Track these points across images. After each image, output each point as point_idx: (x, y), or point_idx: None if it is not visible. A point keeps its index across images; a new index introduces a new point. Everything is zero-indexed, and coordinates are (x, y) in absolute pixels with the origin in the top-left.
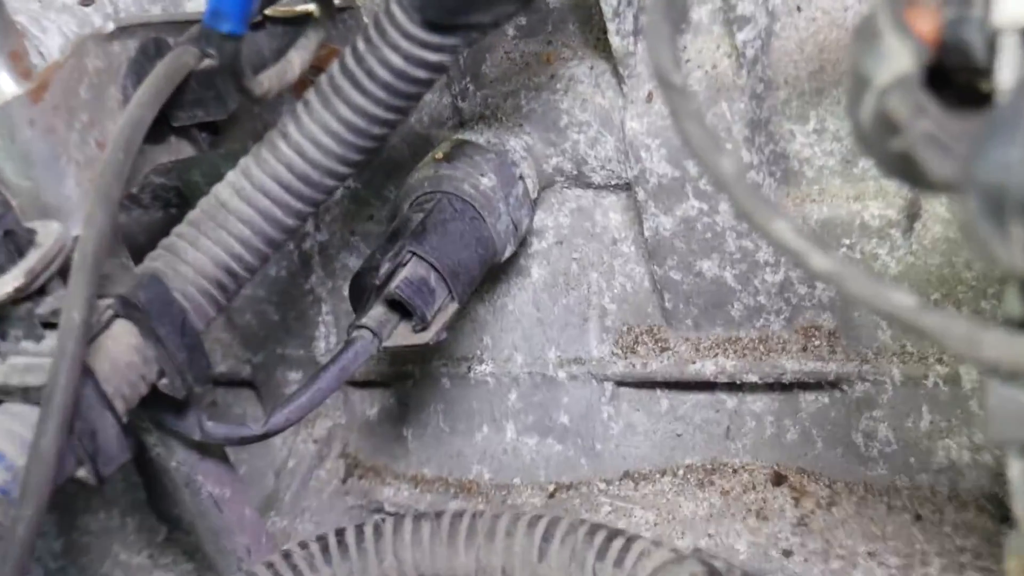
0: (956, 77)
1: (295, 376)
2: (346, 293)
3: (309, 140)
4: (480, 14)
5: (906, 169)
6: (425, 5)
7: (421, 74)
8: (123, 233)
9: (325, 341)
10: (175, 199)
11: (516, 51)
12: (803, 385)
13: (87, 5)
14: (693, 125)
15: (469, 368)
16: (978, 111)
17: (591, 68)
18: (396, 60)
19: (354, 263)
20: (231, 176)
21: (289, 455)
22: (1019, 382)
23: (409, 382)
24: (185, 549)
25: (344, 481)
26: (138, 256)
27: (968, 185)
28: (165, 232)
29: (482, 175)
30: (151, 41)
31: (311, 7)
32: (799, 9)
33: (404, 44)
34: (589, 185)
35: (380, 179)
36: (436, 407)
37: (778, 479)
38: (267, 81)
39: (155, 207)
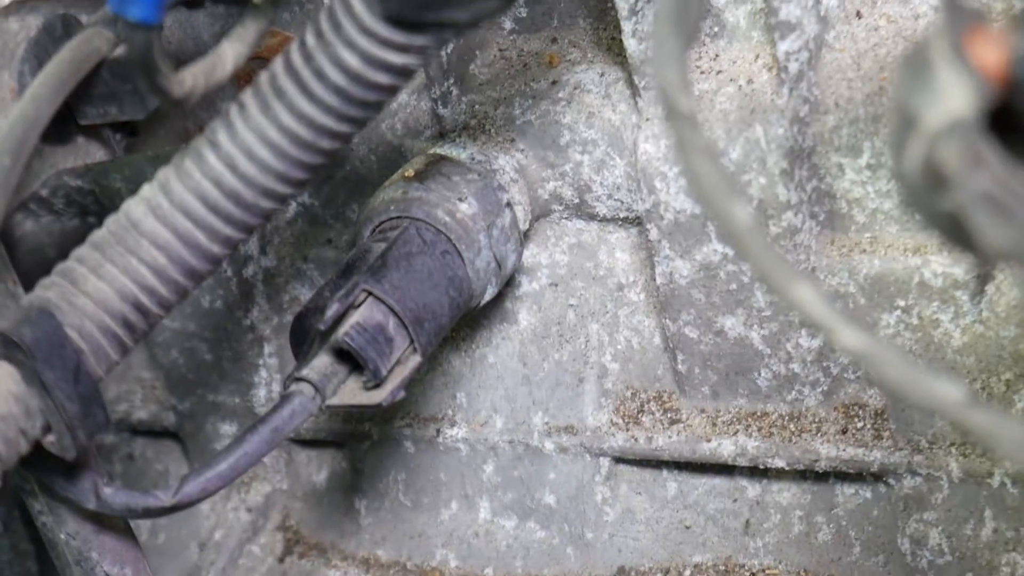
0: None
1: (228, 429)
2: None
3: (243, 151)
4: (455, 10)
5: (958, 232)
6: None
7: (382, 79)
8: (30, 244)
9: (266, 388)
10: (93, 206)
11: (513, 49)
12: (841, 475)
13: None
14: (702, 162)
15: (438, 431)
16: None
17: (601, 75)
18: (352, 61)
19: (305, 295)
20: (146, 191)
21: (217, 525)
22: None
23: (365, 444)
24: None
25: (281, 560)
26: (47, 272)
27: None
28: (79, 244)
29: (460, 200)
30: (57, 18)
31: None
32: (859, 15)
33: (362, 42)
34: (593, 217)
35: (342, 196)
36: (396, 476)
37: None
38: (191, 79)
39: (69, 214)
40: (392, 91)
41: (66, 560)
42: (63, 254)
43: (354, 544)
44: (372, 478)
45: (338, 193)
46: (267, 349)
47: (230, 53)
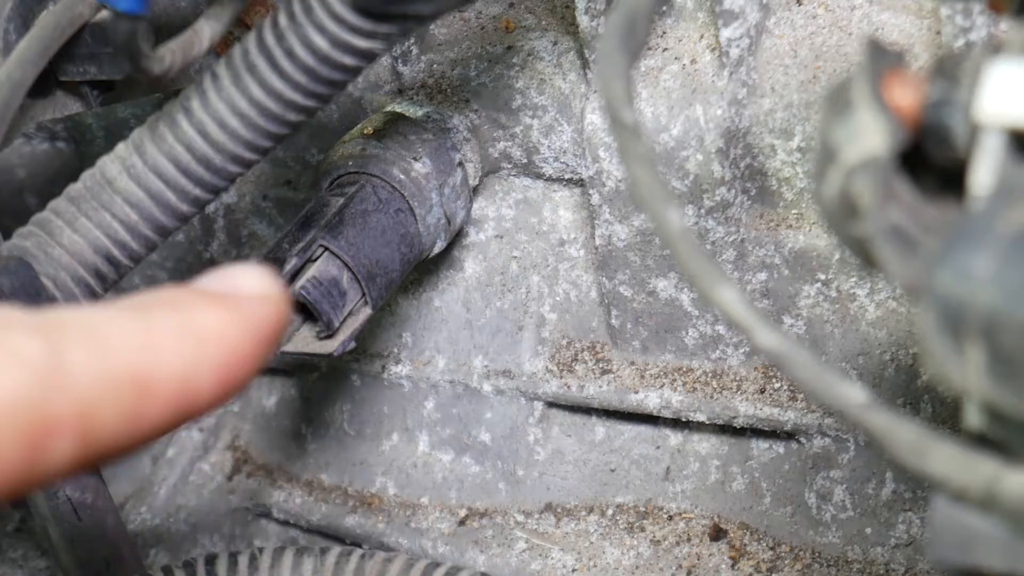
0: (938, 158)
1: None
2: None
3: (214, 120)
4: (420, 4)
5: (867, 257)
6: None
7: (348, 61)
8: (1, 165)
9: None
10: (62, 133)
11: (471, 11)
12: (756, 431)
13: None
14: (642, 170)
15: (383, 367)
16: (960, 199)
17: (554, 44)
18: (320, 43)
19: (263, 231)
20: (121, 149)
21: (169, 442)
22: (967, 503)
23: (314, 375)
24: (38, 543)
25: (230, 478)
26: (15, 193)
27: (926, 294)
28: (48, 168)
29: (415, 159)
30: None
31: None
32: (799, 2)
33: (331, 26)
34: (539, 176)
35: (303, 141)
36: (342, 406)
37: (717, 533)
38: (169, 56)
39: (39, 138)
40: (356, 72)
41: None
42: (32, 176)
43: (299, 467)
44: (319, 407)
45: (299, 138)
46: None
47: (207, 30)
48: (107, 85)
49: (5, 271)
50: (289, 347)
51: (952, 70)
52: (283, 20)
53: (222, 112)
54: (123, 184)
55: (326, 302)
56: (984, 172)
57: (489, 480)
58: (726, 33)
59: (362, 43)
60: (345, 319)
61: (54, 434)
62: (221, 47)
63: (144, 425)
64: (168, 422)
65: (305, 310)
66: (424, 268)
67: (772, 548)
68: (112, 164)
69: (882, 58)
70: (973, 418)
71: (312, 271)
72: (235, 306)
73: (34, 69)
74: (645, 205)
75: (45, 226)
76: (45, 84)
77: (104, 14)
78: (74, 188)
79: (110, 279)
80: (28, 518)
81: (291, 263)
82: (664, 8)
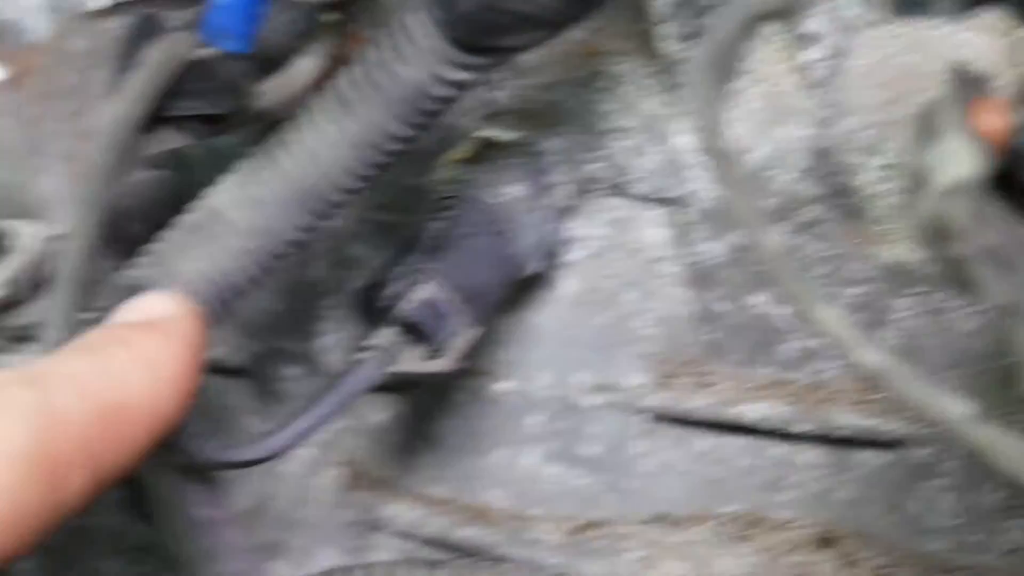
0: None
1: (292, 372)
2: (351, 287)
3: (312, 153)
4: (512, 38)
5: (962, 276)
6: (454, 23)
7: (441, 92)
8: None
9: (327, 337)
10: (163, 162)
11: (560, 38)
12: (858, 441)
13: None
14: (738, 194)
15: (488, 384)
16: None
17: (639, 68)
18: (413, 76)
19: (361, 254)
20: (228, 182)
21: (284, 457)
22: None
23: (422, 392)
24: (163, 559)
25: (344, 493)
26: (120, 221)
27: (1021, 316)
28: (150, 196)
29: (510, 183)
30: (144, 18)
31: None
32: (880, 24)
33: (424, 59)
34: (629, 196)
35: (398, 166)
36: (451, 422)
37: (825, 541)
38: (271, 92)
39: (140, 167)
40: (451, 102)
41: (154, 500)
42: (135, 203)
43: (411, 481)
44: (428, 422)
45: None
46: (327, 301)
47: (307, 65)
48: (209, 119)
49: (124, 302)
50: (399, 367)
51: None
52: (379, 53)
53: (318, 145)
54: (231, 215)
55: (432, 323)
56: None
57: (597, 492)
58: (808, 55)
59: (455, 75)
60: (451, 339)
61: (67, 472)
62: (319, 81)
63: (133, 448)
64: (150, 442)
65: (412, 331)
66: (522, 288)
67: (881, 555)
68: (220, 196)
69: (968, 84)
70: None
71: (417, 293)
72: (164, 330)
73: (144, 106)
74: (743, 227)
75: (159, 256)
76: (152, 120)
77: (206, 51)
78: (185, 219)
79: (223, 307)
80: (154, 535)
81: (396, 286)
82: (753, 36)
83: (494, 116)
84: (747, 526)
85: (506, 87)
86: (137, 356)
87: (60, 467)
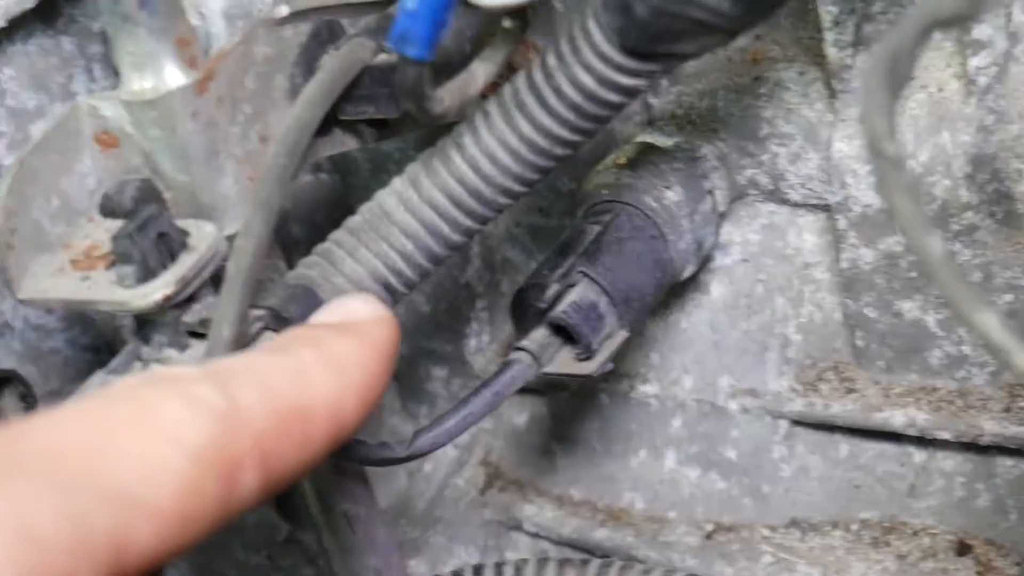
0: None
1: (440, 372)
2: (503, 290)
3: (485, 155)
4: (685, 44)
5: None
6: (625, 30)
7: (613, 98)
8: None
9: (477, 339)
10: (326, 165)
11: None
12: (1002, 449)
13: None
14: (902, 200)
15: (631, 386)
16: None
17: (801, 74)
18: (588, 81)
19: (516, 257)
20: (397, 184)
21: (426, 458)
22: None
23: (564, 393)
24: (306, 553)
25: (483, 492)
26: (283, 223)
27: None
28: (313, 198)
29: (667, 187)
30: (324, 25)
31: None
32: None
33: (599, 66)
34: (785, 202)
35: (555, 170)
36: (591, 424)
37: (962, 549)
38: (448, 97)
39: (304, 170)
40: (620, 108)
41: (307, 496)
42: (298, 205)
43: (549, 482)
44: (568, 424)
45: None
46: (479, 304)
47: (481, 72)
48: (381, 123)
49: (293, 299)
50: (551, 368)
51: None
52: (552, 60)
53: (493, 147)
54: (400, 216)
55: (585, 326)
56: None
57: (735, 496)
58: (974, 62)
59: (627, 81)
60: (603, 342)
61: (242, 471)
62: (489, 88)
63: (309, 452)
64: (327, 447)
65: (564, 333)
66: (672, 291)
67: (1018, 564)
68: (389, 197)
69: None
70: None
71: (572, 296)
72: (359, 332)
73: (320, 111)
74: (907, 234)
75: (328, 256)
76: (326, 123)
77: (382, 57)
78: (353, 220)
79: (387, 305)
80: (297, 529)
81: (551, 289)
82: (926, 44)
83: (653, 122)
84: (884, 532)
85: (667, 93)
86: (326, 358)
87: (235, 466)
